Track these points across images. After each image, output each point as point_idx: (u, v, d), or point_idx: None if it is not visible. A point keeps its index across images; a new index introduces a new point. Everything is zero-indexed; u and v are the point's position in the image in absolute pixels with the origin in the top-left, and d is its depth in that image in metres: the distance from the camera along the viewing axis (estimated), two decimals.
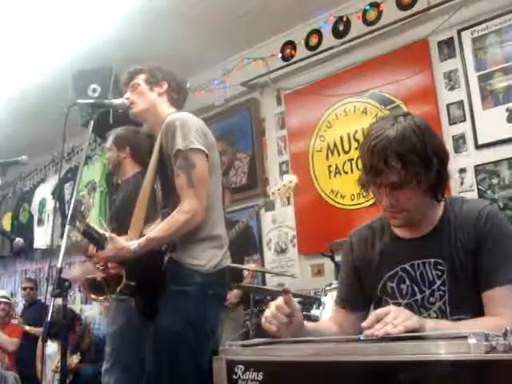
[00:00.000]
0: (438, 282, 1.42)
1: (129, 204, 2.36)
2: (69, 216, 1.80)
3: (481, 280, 1.37)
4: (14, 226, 7.00)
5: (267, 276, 4.55)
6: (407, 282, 1.47)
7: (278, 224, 4.62)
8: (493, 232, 1.37)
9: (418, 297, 1.46)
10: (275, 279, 4.40)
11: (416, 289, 1.46)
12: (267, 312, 1.38)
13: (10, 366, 4.85)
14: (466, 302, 1.39)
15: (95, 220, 4.23)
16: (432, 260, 1.44)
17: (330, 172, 4.30)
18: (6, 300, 5.14)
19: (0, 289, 6.87)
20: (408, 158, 1.34)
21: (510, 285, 1.32)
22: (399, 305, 1.44)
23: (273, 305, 1.38)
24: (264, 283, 4.50)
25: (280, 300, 1.37)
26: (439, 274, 1.43)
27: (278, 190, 3.50)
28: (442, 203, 1.48)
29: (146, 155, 2.83)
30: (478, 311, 1.35)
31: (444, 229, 1.45)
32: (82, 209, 1.93)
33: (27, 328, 4.97)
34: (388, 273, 1.52)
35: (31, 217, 6.76)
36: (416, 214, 1.45)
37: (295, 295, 2.99)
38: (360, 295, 1.60)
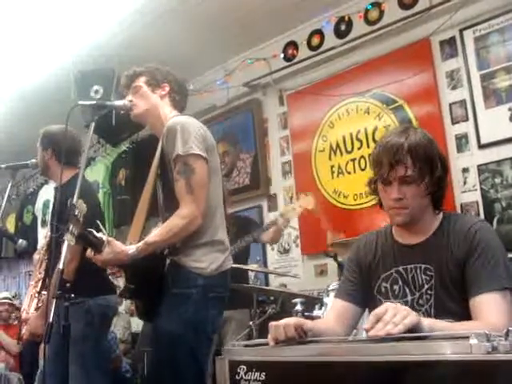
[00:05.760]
0: (426, 286, 1.54)
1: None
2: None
3: (468, 288, 1.47)
4: (17, 228, 7.01)
5: (270, 277, 4.55)
6: (400, 283, 1.59)
7: None
8: (480, 245, 1.49)
9: (409, 298, 1.57)
10: (278, 279, 4.40)
11: (407, 290, 1.58)
12: (283, 321, 1.39)
13: (15, 368, 4.85)
14: (451, 307, 1.50)
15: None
16: (423, 265, 1.56)
17: (332, 172, 4.29)
18: (9, 301, 5.14)
19: (4, 290, 6.88)
20: (418, 156, 1.51)
21: (493, 292, 1.42)
22: None
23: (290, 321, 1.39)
24: (267, 284, 4.50)
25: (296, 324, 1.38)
26: (428, 279, 1.55)
27: (293, 208, 3.47)
28: (441, 216, 1.62)
29: (74, 157, 2.80)
30: (461, 316, 1.43)
31: (438, 239, 1.57)
32: (76, 213, 1.90)
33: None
34: (384, 274, 1.63)
35: (35, 218, 6.77)
36: (416, 214, 1.57)
37: (297, 295, 2.99)
38: (360, 292, 1.69)
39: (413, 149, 1.51)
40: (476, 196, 3.55)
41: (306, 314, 2.58)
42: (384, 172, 1.54)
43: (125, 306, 5.52)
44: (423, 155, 1.52)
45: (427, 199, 1.57)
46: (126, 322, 5.27)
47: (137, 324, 5.12)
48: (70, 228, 1.87)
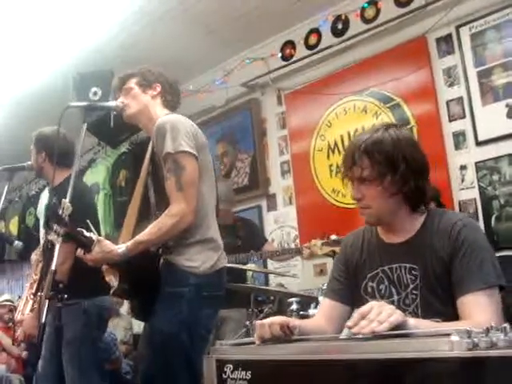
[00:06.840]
0: (411, 286, 1.52)
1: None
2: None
3: (454, 288, 1.44)
4: (20, 230, 7.04)
5: (270, 276, 4.55)
6: (386, 282, 1.57)
7: (281, 224, 4.62)
8: (465, 243, 1.45)
9: (395, 298, 1.54)
10: (278, 279, 4.39)
11: (393, 290, 1.56)
12: (269, 320, 1.39)
13: (17, 369, 4.86)
14: (438, 307, 1.47)
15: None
16: (407, 265, 1.53)
17: (331, 171, 4.30)
18: (10, 303, 5.14)
19: (7, 293, 6.90)
20: (375, 158, 1.49)
21: (480, 291, 1.40)
22: None
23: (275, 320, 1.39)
24: (267, 284, 4.50)
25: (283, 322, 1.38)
26: (413, 278, 1.52)
27: (321, 248, 3.36)
28: (425, 214, 1.58)
29: (67, 158, 2.79)
30: (449, 317, 1.41)
31: (422, 237, 1.54)
32: (60, 212, 1.91)
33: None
34: (370, 273, 1.61)
35: (37, 220, 6.78)
36: (382, 215, 1.55)
37: (293, 295, 2.99)
38: (348, 290, 1.67)
39: (369, 149, 1.49)
40: (474, 193, 3.54)
41: (301, 312, 2.58)
42: (345, 172, 1.57)
43: (126, 307, 5.53)
44: (382, 155, 1.48)
45: (395, 199, 1.52)
46: (128, 323, 5.28)
47: (138, 325, 5.12)
48: (55, 227, 1.88)
